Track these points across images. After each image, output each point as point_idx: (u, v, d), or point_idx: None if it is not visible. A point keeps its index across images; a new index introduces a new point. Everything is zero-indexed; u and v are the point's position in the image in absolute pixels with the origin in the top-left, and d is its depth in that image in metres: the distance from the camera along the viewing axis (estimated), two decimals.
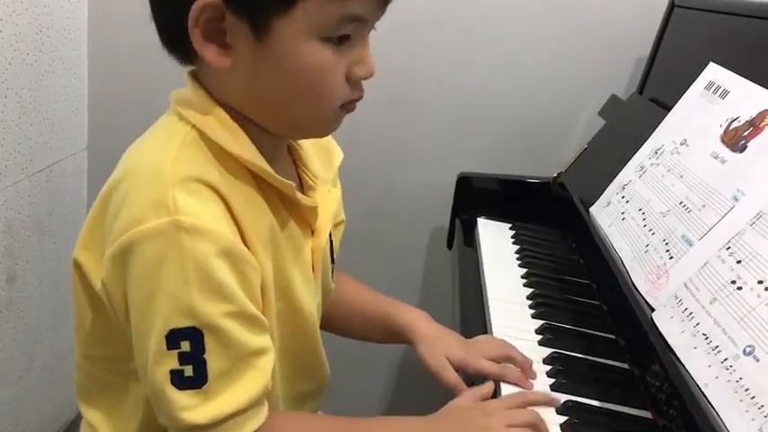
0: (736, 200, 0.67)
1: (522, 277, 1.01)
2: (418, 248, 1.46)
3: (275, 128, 0.63)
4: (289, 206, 0.65)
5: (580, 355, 0.81)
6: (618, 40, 1.28)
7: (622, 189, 0.90)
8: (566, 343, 0.83)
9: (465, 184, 1.25)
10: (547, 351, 0.81)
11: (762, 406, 0.52)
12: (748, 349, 0.55)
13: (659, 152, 0.87)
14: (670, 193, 0.79)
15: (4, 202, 1.17)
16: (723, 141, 0.76)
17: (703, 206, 0.72)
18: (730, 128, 0.76)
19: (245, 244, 0.57)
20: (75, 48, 1.31)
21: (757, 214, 0.63)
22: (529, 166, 1.31)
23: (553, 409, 0.71)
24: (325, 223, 0.70)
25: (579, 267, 1.07)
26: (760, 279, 0.58)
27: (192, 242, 0.53)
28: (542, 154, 1.35)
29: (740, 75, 0.81)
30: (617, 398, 0.74)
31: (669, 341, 0.64)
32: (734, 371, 0.55)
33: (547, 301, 0.93)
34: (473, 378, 0.77)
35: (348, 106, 0.62)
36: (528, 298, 0.94)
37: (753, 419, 0.51)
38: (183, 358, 0.54)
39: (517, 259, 1.07)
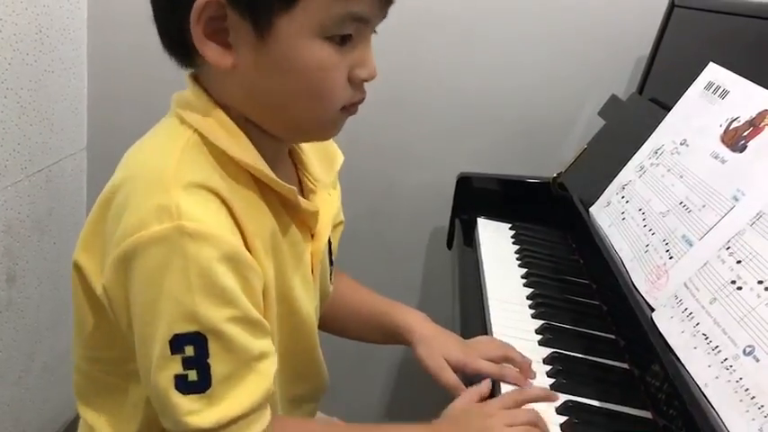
0: (736, 200, 0.67)
1: (522, 277, 1.01)
2: (418, 248, 1.46)
3: (276, 130, 0.62)
4: (290, 210, 0.65)
5: (580, 355, 0.81)
6: (618, 40, 1.28)
7: (622, 189, 0.90)
8: (566, 343, 0.83)
9: (465, 184, 1.25)
10: (547, 351, 0.81)
11: (762, 406, 0.51)
12: (748, 349, 0.55)
13: (659, 152, 0.87)
14: (670, 193, 0.79)
15: (4, 202, 1.17)
16: (723, 141, 0.76)
17: (703, 206, 0.72)
18: (730, 128, 0.76)
19: (248, 248, 0.57)
20: (75, 48, 1.31)
21: (757, 214, 0.63)
22: (529, 166, 1.31)
23: (553, 409, 0.71)
24: (324, 227, 0.70)
25: (579, 267, 1.07)
26: (760, 279, 0.58)
27: (196, 247, 0.53)
28: (542, 154, 1.35)
29: (740, 75, 0.81)
30: (617, 398, 0.74)
31: (669, 341, 0.64)
32: (734, 371, 0.55)
33: (547, 301, 0.93)
34: (472, 379, 0.77)
35: (350, 109, 0.61)
36: (528, 298, 0.94)
37: (753, 419, 0.51)
38: (187, 363, 0.54)
39: (517, 259, 1.07)
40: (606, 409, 0.73)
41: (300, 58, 0.56)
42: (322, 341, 0.79)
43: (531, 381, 0.75)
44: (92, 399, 0.70)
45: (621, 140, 1.05)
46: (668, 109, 0.92)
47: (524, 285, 0.98)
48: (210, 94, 0.61)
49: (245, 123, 0.60)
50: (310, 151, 0.73)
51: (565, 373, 0.77)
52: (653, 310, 0.70)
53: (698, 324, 0.62)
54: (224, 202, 0.56)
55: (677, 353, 0.62)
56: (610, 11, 1.26)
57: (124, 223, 0.55)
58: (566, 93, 1.32)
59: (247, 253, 0.57)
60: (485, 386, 0.73)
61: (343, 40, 0.57)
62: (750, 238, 0.62)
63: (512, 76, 1.32)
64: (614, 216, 0.88)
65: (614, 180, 0.93)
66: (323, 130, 0.64)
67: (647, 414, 0.73)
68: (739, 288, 0.60)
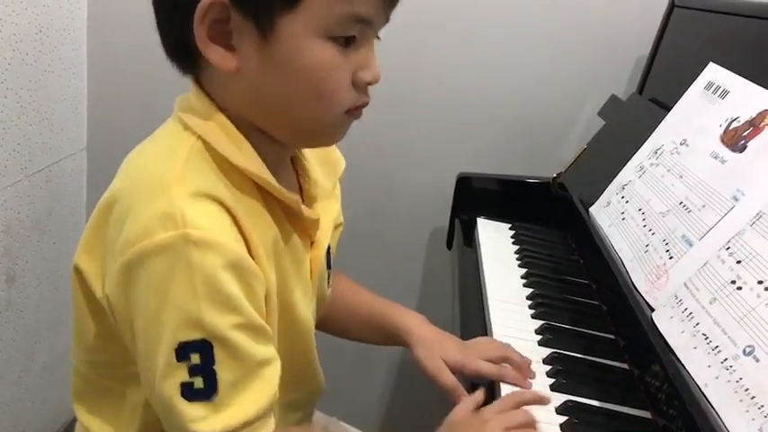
0: (736, 200, 0.67)
1: (522, 277, 1.00)
2: (418, 248, 1.46)
3: (281, 134, 0.62)
4: (291, 218, 0.65)
5: (580, 356, 0.81)
6: (618, 40, 1.28)
7: (622, 189, 0.90)
8: (565, 343, 0.83)
9: (465, 185, 1.25)
10: (546, 351, 0.81)
11: (762, 406, 0.51)
12: (748, 349, 0.55)
13: (659, 152, 0.87)
14: (670, 194, 0.79)
15: (4, 202, 1.17)
16: (723, 141, 0.76)
17: (703, 206, 0.72)
18: (730, 128, 0.76)
19: (251, 256, 0.57)
20: (75, 48, 1.31)
21: (757, 214, 0.63)
22: (529, 166, 1.31)
23: (553, 409, 0.71)
24: (324, 234, 0.70)
25: (579, 267, 1.07)
26: (760, 279, 0.58)
27: (201, 255, 0.52)
28: (542, 154, 1.35)
29: (740, 75, 0.81)
30: (617, 398, 0.74)
31: (669, 341, 0.64)
32: (734, 371, 0.55)
33: (546, 301, 0.93)
34: (471, 380, 0.77)
35: (354, 112, 0.61)
36: (528, 298, 0.94)
37: (753, 419, 0.51)
38: (193, 370, 0.54)
39: (517, 259, 1.07)
40: (606, 409, 0.73)
41: (304, 59, 0.56)
42: (322, 341, 0.79)
43: (530, 381, 0.75)
44: (89, 402, 0.70)
45: (621, 140, 1.05)
46: (668, 109, 0.92)
47: (524, 285, 0.98)
48: (213, 99, 0.60)
49: (249, 128, 0.60)
50: (312, 156, 0.73)
51: (565, 374, 0.77)
52: (653, 310, 0.70)
53: (698, 324, 0.62)
54: (228, 210, 0.56)
55: (677, 353, 0.62)
56: (610, 11, 1.26)
57: (127, 231, 0.54)
58: (566, 93, 1.32)
59: (251, 260, 0.57)
60: (479, 394, 0.72)
61: (346, 43, 0.57)
62: (750, 239, 0.62)
63: (512, 76, 1.32)
64: (614, 216, 0.88)
65: (614, 180, 0.93)
66: (327, 133, 0.64)
67: (646, 414, 0.73)
68: (739, 288, 0.60)
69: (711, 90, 0.84)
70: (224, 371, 0.54)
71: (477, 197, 1.24)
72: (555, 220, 1.19)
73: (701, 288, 0.64)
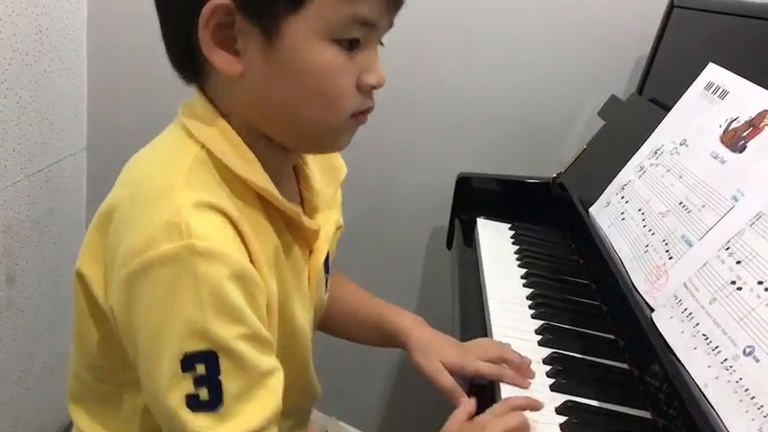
0: (736, 200, 0.67)
1: (522, 277, 1.00)
2: (418, 248, 1.46)
3: (286, 139, 0.62)
4: (292, 229, 0.65)
5: (579, 356, 0.81)
6: (618, 40, 1.28)
7: (622, 189, 0.90)
8: (565, 343, 0.83)
9: (464, 185, 1.25)
10: (546, 351, 0.81)
11: (761, 406, 0.52)
12: (748, 350, 0.55)
13: (659, 152, 0.87)
14: (669, 194, 0.79)
15: (4, 202, 1.17)
16: (722, 141, 0.76)
17: (703, 206, 0.72)
18: (730, 128, 0.76)
19: (253, 266, 0.57)
20: (75, 48, 1.31)
21: (757, 215, 0.63)
22: (528, 166, 1.31)
23: (553, 409, 0.71)
24: (323, 243, 0.70)
25: (579, 267, 1.07)
26: (760, 279, 0.58)
27: (206, 266, 0.52)
28: (542, 154, 1.35)
29: (739, 75, 0.81)
30: (616, 398, 0.74)
31: (669, 341, 0.64)
32: (734, 371, 0.55)
33: (546, 301, 0.93)
34: (470, 380, 0.77)
35: (359, 117, 0.61)
36: (528, 298, 0.94)
37: (752, 420, 0.51)
38: (198, 381, 0.54)
39: (517, 259, 1.07)
40: (606, 409, 0.73)
41: (308, 60, 0.56)
42: (322, 341, 0.79)
43: (530, 381, 0.75)
44: (87, 406, 0.70)
45: (621, 141, 1.05)
46: (668, 109, 0.92)
47: (524, 285, 0.98)
48: (218, 107, 0.60)
49: (253, 135, 0.60)
50: (313, 163, 0.73)
51: (564, 374, 0.77)
52: (653, 310, 0.70)
53: (698, 324, 0.62)
54: (231, 220, 0.56)
55: (677, 353, 0.63)
56: (610, 11, 1.26)
57: (131, 241, 0.54)
58: (566, 93, 1.32)
59: (254, 270, 0.57)
60: (470, 404, 0.72)
61: (350, 46, 0.57)
62: (750, 239, 0.62)
63: (512, 76, 1.32)
64: (614, 216, 0.88)
65: (614, 180, 0.94)
66: (332, 138, 0.63)
67: (646, 414, 0.73)
68: (739, 288, 0.60)
69: (711, 90, 0.85)
70: (229, 381, 0.54)
71: (476, 197, 1.24)
72: (555, 221, 1.19)
73: (700, 288, 0.64)
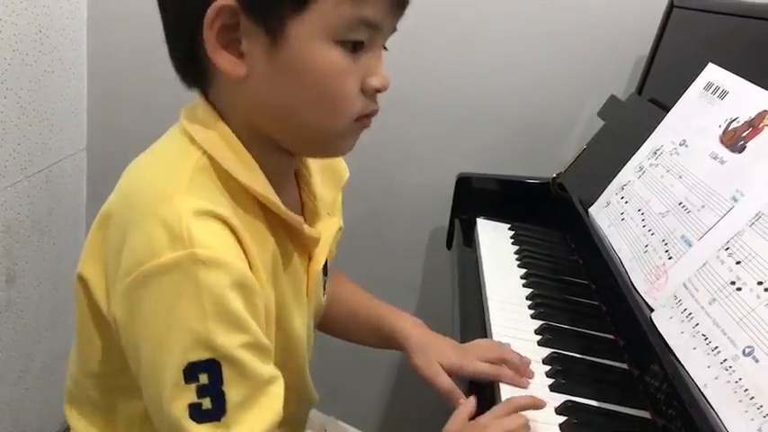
0: (736, 200, 0.68)
1: (522, 278, 1.01)
2: (418, 248, 1.46)
3: (289, 143, 0.62)
4: (292, 236, 0.65)
5: (579, 356, 0.81)
6: (617, 40, 1.28)
7: (621, 189, 0.90)
8: (565, 343, 0.83)
9: (464, 185, 1.25)
10: (546, 351, 0.81)
11: (761, 406, 0.52)
12: (748, 350, 0.55)
13: (658, 153, 0.87)
14: (669, 194, 0.79)
15: (4, 202, 1.17)
16: (722, 142, 0.76)
17: (702, 207, 0.72)
18: (729, 128, 0.76)
19: (253, 274, 0.57)
20: (75, 48, 1.32)
21: (756, 215, 0.63)
22: (528, 166, 1.31)
23: (552, 409, 0.71)
24: (322, 249, 0.70)
25: (578, 268, 1.07)
26: (759, 280, 0.58)
27: (209, 275, 0.52)
28: (542, 154, 1.35)
29: (739, 75, 0.81)
30: (616, 398, 0.74)
31: (668, 341, 0.64)
32: (733, 371, 0.56)
33: (546, 301, 0.93)
34: (470, 381, 0.77)
35: (364, 120, 0.61)
36: (527, 298, 0.94)
37: (752, 420, 0.51)
38: (201, 391, 0.53)
39: (516, 260, 1.07)
40: (605, 409, 0.73)
41: (312, 61, 0.56)
42: (322, 341, 0.79)
43: (529, 380, 0.75)
44: (84, 411, 0.69)
45: (621, 141, 1.05)
46: (667, 109, 0.92)
47: (524, 286, 0.98)
48: (221, 112, 0.60)
49: (256, 140, 0.60)
50: (315, 166, 0.72)
51: (564, 374, 0.77)
52: (652, 310, 0.70)
53: (697, 324, 0.62)
54: (232, 229, 0.56)
55: (676, 353, 0.63)
56: (610, 11, 1.26)
57: (133, 249, 0.54)
58: (565, 93, 1.32)
59: (254, 279, 0.57)
60: (470, 404, 0.72)
61: (355, 48, 0.57)
62: (749, 239, 0.62)
63: (512, 76, 1.32)
64: (613, 216, 0.88)
65: (613, 180, 0.94)
66: (336, 142, 0.63)
67: (645, 414, 0.73)
68: (739, 289, 0.60)
69: (711, 90, 0.85)
70: (232, 390, 0.54)
71: (476, 197, 1.24)
72: (554, 221, 1.19)
73: (700, 288, 0.64)
